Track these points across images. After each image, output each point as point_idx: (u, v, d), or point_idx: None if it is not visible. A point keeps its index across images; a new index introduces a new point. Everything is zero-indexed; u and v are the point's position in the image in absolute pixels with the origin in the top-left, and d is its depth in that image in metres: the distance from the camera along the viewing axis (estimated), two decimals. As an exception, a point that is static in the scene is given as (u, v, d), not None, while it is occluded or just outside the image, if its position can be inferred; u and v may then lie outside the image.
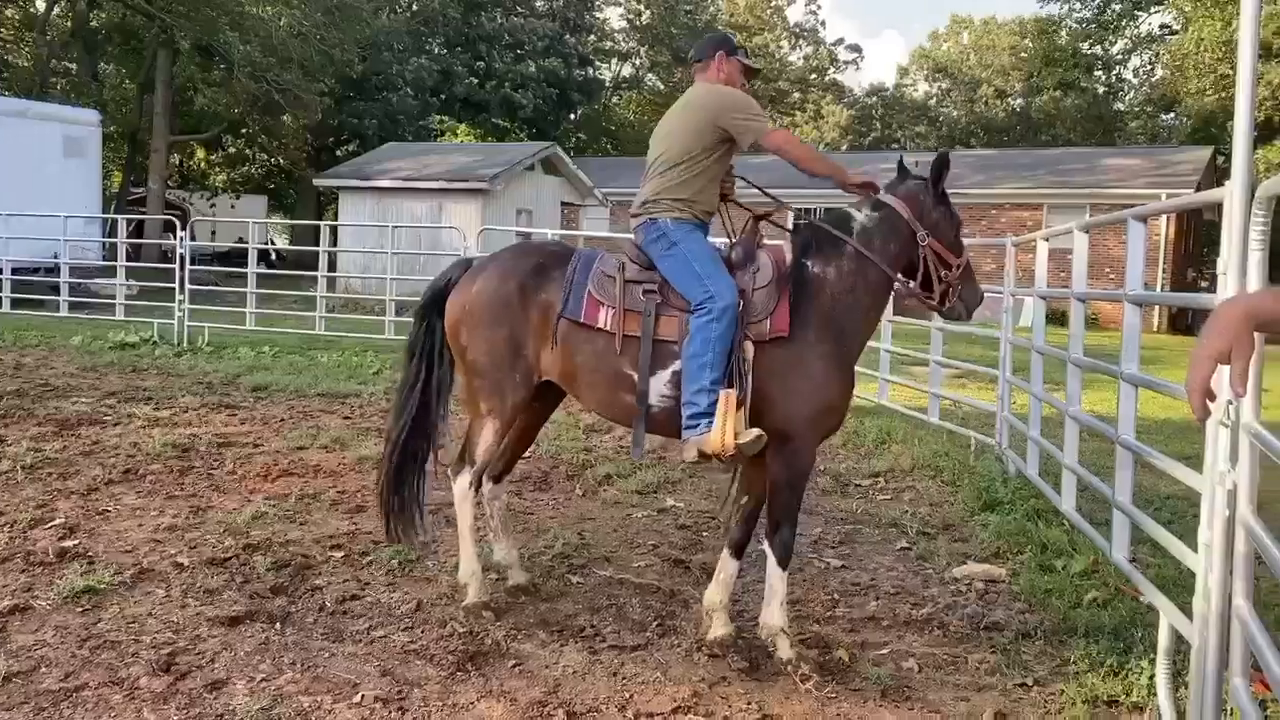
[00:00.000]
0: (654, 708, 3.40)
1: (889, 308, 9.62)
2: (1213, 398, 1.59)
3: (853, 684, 3.66)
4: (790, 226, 4.24)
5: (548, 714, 3.32)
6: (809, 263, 3.97)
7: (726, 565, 4.08)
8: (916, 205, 4.05)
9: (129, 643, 3.75)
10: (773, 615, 3.91)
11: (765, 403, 3.84)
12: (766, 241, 4.13)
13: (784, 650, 3.82)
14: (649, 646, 3.94)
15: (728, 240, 4.16)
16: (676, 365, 3.91)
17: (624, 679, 3.63)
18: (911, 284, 4.09)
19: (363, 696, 3.39)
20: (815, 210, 27.43)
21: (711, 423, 3.77)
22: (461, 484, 4.29)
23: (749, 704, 3.45)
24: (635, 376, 3.97)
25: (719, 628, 3.96)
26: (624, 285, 4.02)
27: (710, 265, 3.93)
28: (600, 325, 4.01)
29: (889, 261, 4.00)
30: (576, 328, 4.05)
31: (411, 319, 4.59)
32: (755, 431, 3.77)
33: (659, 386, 3.95)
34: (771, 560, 3.94)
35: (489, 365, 4.15)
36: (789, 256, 3.99)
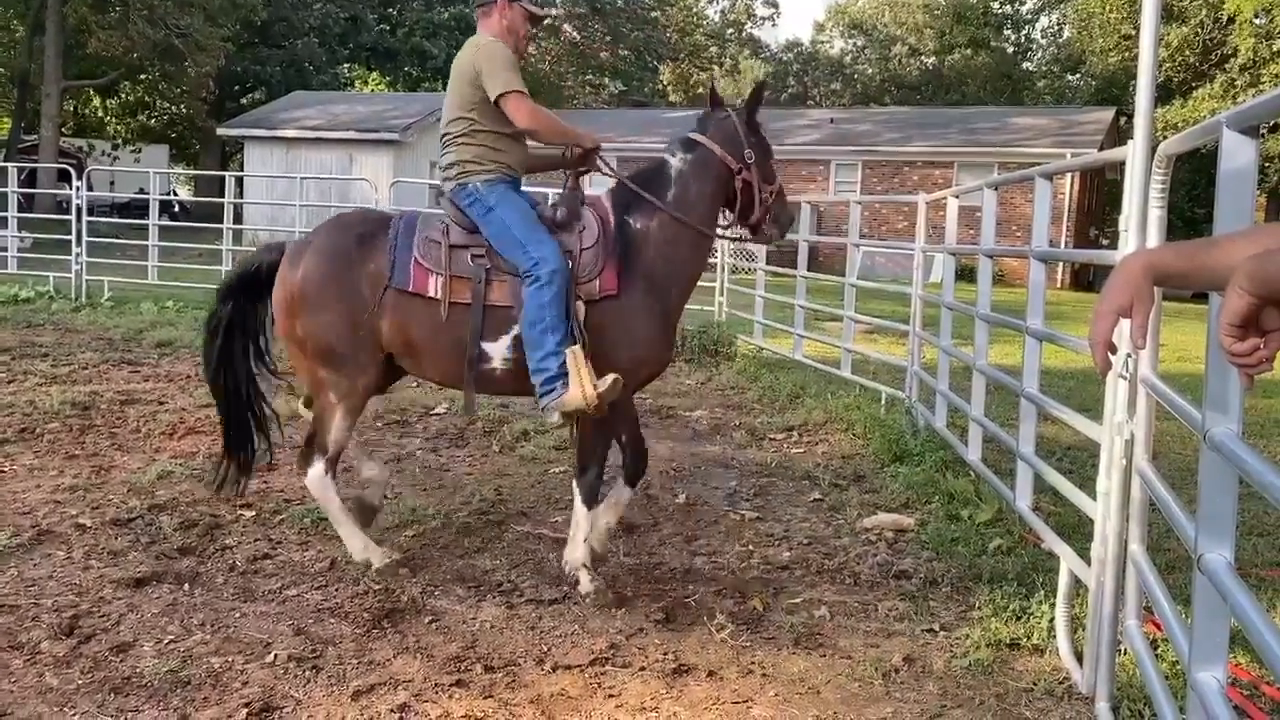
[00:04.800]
0: (572, 660, 3.42)
1: (804, 266, 9.74)
2: (1114, 351, 1.63)
3: (766, 632, 3.73)
4: (611, 182, 4.28)
5: (465, 669, 3.32)
6: (630, 220, 4.05)
7: (620, 492, 4.25)
8: (729, 140, 4.13)
9: (29, 606, 3.63)
10: (575, 551, 4.08)
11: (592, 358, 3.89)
12: (589, 194, 4.21)
13: (585, 584, 3.98)
14: (566, 600, 3.95)
15: (551, 197, 4.16)
16: (516, 330, 3.91)
17: (541, 632, 3.65)
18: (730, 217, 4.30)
19: (276, 656, 3.34)
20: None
21: (567, 382, 3.79)
22: (316, 473, 4.10)
23: (665, 654, 3.50)
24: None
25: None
26: (449, 250, 3.94)
27: (529, 230, 3.92)
28: (431, 294, 3.93)
29: (706, 202, 4.12)
30: (407, 297, 3.95)
31: None
32: (611, 377, 3.81)
33: (501, 351, 3.97)
34: (578, 499, 4.11)
35: (333, 350, 3.99)
36: (611, 214, 4.06)
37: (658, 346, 4.09)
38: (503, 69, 3.93)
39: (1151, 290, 1.58)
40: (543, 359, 3.82)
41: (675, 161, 4.11)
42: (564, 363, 3.80)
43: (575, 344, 3.81)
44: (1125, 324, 1.57)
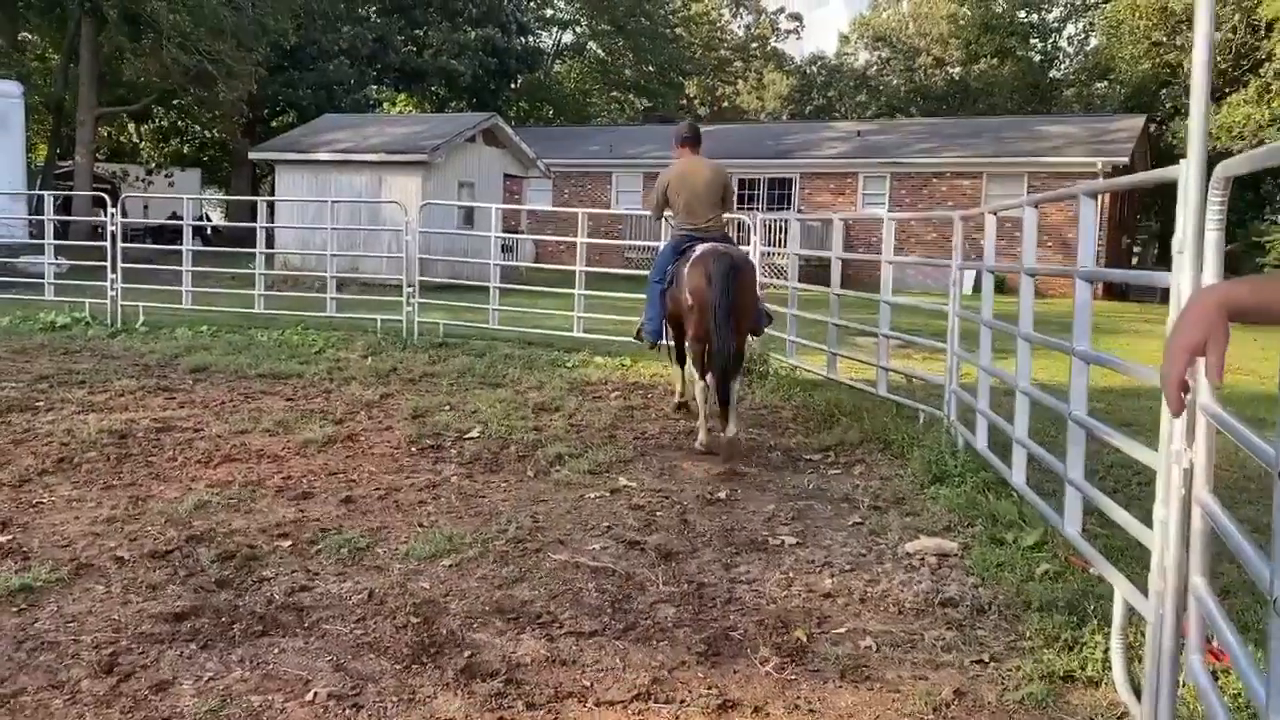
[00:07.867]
0: (614, 696, 3.36)
1: (837, 282, 9.66)
2: (1188, 390, 1.56)
3: (811, 664, 3.65)
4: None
5: (507, 705, 3.27)
6: None
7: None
8: None
9: (68, 643, 3.62)
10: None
11: None
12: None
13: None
14: (606, 632, 3.89)
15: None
16: None
17: (583, 666, 3.59)
18: None
19: (315, 694, 3.31)
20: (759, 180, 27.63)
21: None
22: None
23: (709, 689, 3.43)
24: None
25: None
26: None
27: None
28: None
29: None
30: None
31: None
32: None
33: None
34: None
35: None
36: None
37: None
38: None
39: (1226, 327, 1.51)
40: (762, 304, 7.61)
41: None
42: None
43: None
44: (1200, 361, 1.50)
